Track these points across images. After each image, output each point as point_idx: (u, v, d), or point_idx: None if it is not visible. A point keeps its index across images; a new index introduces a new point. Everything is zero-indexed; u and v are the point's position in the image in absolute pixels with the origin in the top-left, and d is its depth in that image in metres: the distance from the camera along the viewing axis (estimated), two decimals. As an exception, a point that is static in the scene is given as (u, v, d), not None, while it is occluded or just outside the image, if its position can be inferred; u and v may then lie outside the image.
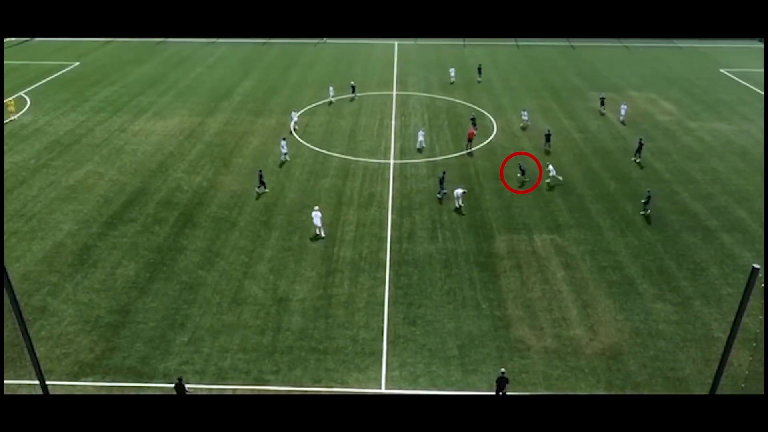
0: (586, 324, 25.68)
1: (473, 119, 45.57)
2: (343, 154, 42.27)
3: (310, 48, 73.82)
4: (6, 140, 44.61)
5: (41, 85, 58.39)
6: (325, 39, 77.85)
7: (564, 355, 23.99)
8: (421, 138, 42.87)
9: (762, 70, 64.19)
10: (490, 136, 45.84)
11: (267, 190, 36.56)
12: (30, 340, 16.66)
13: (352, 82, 56.48)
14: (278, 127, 47.25)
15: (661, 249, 31.04)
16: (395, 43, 76.47)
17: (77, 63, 66.32)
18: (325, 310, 26.52)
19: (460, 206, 34.62)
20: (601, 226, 33.13)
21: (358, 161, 41.15)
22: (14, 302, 15.87)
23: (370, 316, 26.11)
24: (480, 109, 51.50)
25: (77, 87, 57.61)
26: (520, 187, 37.49)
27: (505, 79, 60.82)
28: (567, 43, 77.18)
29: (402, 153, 42.50)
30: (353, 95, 54.72)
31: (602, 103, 50.47)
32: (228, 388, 22.34)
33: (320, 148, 43.30)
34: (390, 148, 43.31)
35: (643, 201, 34.22)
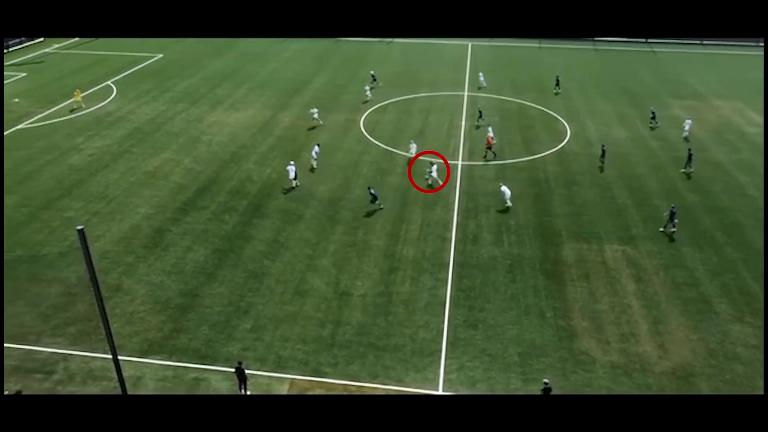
0: (656, 341, 24.50)
1: (489, 126, 44.25)
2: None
3: (382, 46, 74.12)
4: (92, 126, 47.09)
5: (127, 75, 61.33)
6: (391, 39, 77.98)
7: (631, 371, 22.97)
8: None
9: None
10: (563, 141, 44.57)
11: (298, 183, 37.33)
12: (106, 315, 17.40)
13: (372, 72, 58.37)
14: (347, 124, 47.66)
15: (742, 268, 29.24)
16: (469, 43, 75.70)
17: (161, 55, 69.24)
18: (386, 307, 26.49)
19: (508, 206, 34.42)
20: (677, 240, 31.55)
21: (425, 161, 40.89)
22: (94, 278, 16.59)
23: (431, 317, 25.88)
24: (553, 113, 50.18)
25: (159, 78, 60.16)
26: (428, 187, 37.12)
27: (580, 83, 59.04)
28: (648, 48, 74.13)
29: (470, 154, 41.96)
30: (375, 83, 57.00)
31: (653, 117, 47.67)
32: (286, 377, 22.66)
33: (388, 146, 43.36)
34: (459, 149, 42.85)
35: (665, 214, 32.46)
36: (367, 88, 53.87)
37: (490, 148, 40.93)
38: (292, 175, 36.38)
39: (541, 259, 29.91)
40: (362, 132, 46.10)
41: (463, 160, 41.02)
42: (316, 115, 47.15)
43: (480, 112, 48.15)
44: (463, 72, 62.69)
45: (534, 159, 41.36)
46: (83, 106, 51.29)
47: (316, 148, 40.13)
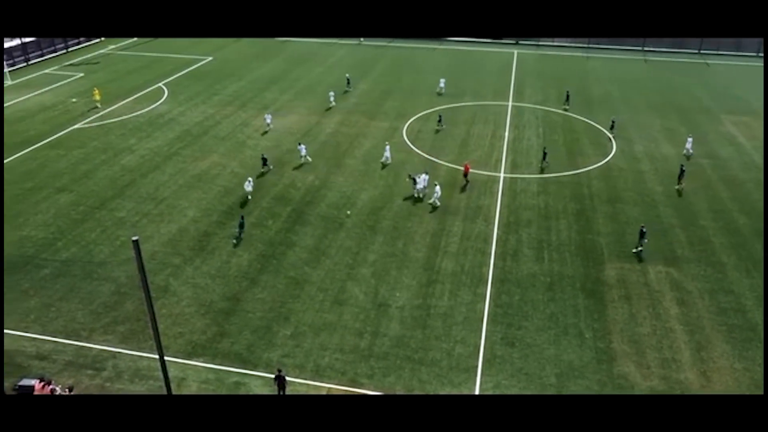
0: (698, 368, 24.02)
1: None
2: (452, 163, 42.24)
3: (426, 52, 74.27)
4: (144, 127, 48.73)
5: (178, 77, 63.16)
6: (435, 45, 77.96)
7: (671, 398, 22.57)
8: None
9: None
10: (608, 155, 43.93)
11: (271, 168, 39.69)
12: (155, 320, 18.15)
13: (348, 75, 60.34)
14: (390, 131, 48.03)
15: (793, 295, 28.37)
16: (515, 51, 75.18)
17: (211, 58, 71.04)
18: (423, 320, 26.71)
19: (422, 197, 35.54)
20: (724, 264, 30.79)
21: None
22: (144, 279, 17.33)
23: (468, 332, 25.97)
24: (598, 126, 49.46)
25: (209, 81, 61.75)
26: (414, 199, 37.07)
27: (627, 95, 57.99)
28: (701, 60, 72.18)
29: (513, 166, 41.79)
30: (348, 89, 58.24)
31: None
32: (324, 386, 23.11)
33: (429, 155, 43.54)
34: (501, 161, 42.72)
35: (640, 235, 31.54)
36: (332, 94, 54.43)
37: (466, 175, 39.11)
38: (303, 152, 41.37)
39: (582, 277, 29.63)
40: (405, 140, 46.39)
41: (505, 173, 40.88)
42: (269, 121, 48.37)
43: (440, 117, 49.12)
44: (508, 81, 62.33)
45: (578, 173, 40.90)
46: (99, 105, 53.16)
47: (301, 147, 41.93)
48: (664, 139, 47.06)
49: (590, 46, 77.95)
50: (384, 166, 41.73)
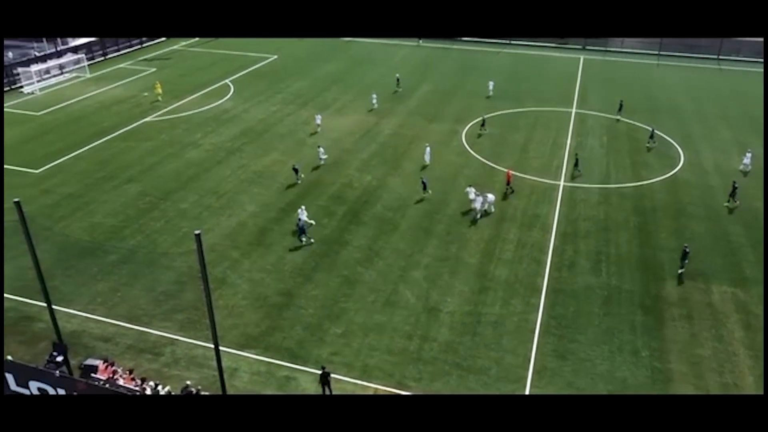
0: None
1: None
2: (510, 169, 41.65)
3: (490, 56, 73.53)
4: (209, 123, 50.37)
5: (244, 74, 64.93)
6: (500, 51, 77.04)
7: (731, 426, 21.59)
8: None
9: None
10: (675, 168, 42.32)
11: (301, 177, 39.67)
12: (212, 307, 18.75)
13: (397, 75, 60.90)
14: (450, 135, 47.85)
15: None
16: (581, 57, 73.45)
17: (275, 56, 72.64)
18: (474, 327, 26.52)
19: (482, 213, 34.31)
20: (796, 287, 29.17)
21: (525, 178, 40.36)
22: (204, 272, 17.95)
23: (519, 342, 25.61)
24: (666, 137, 47.71)
25: (273, 79, 63.19)
26: (418, 200, 37.06)
27: (699, 105, 55.66)
28: (781, 70, 68.42)
29: (574, 175, 40.85)
30: (398, 89, 58.71)
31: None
32: (371, 386, 23.30)
33: (488, 161, 43.12)
34: (562, 169, 41.86)
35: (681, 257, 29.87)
36: (374, 96, 54.60)
37: (508, 183, 38.50)
38: (322, 155, 41.67)
39: (640, 293, 28.70)
40: (464, 144, 46.13)
41: (565, 181, 40.03)
42: (319, 121, 48.80)
43: (483, 120, 48.64)
44: (573, 87, 60.95)
45: (641, 185, 39.60)
46: (160, 99, 55.19)
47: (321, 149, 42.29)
48: (736, 152, 44.91)
49: (661, 53, 75.19)
50: (423, 167, 41.73)
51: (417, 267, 30.67)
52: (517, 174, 40.78)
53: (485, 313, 27.38)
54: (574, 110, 54.06)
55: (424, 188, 37.64)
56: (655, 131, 46.83)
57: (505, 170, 39.97)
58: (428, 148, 42.66)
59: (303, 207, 33.30)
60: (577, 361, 24.53)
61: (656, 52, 75.46)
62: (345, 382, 23.45)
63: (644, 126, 49.97)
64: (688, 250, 29.84)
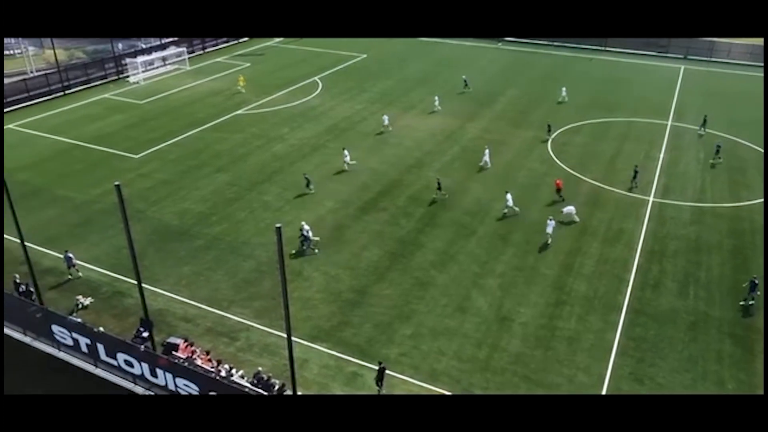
0: None
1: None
2: (596, 180, 40.23)
3: (582, 62, 71.18)
4: (296, 118, 51.81)
5: (333, 72, 66.30)
6: (592, 57, 74.32)
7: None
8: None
9: None
10: (780, 189, 39.34)
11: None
12: (287, 298, 19.27)
13: (464, 76, 59.98)
14: (534, 142, 46.77)
15: None
16: (681, 66, 69.71)
17: (364, 55, 73.65)
18: (547, 340, 25.81)
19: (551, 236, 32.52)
20: None
21: (612, 191, 38.81)
22: (281, 264, 18.48)
23: (593, 361, 24.69)
24: (772, 156, 44.44)
25: (360, 78, 64.12)
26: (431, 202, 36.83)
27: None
28: None
29: (665, 191, 38.86)
30: (465, 89, 58.41)
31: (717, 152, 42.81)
32: (437, 390, 23.19)
33: (573, 171, 41.78)
34: (652, 184, 39.91)
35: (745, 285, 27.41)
36: (437, 98, 54.20)
37: (559, 191, 37.36)
38: (348, 158, 41.11)
39: (731, 321, 26.92)
40: (549, 152, 44.95)
41: (654, 197, 38.14)
42: (386, 122, 48.68)
43: (717, 147, 43.61)
44: (670, 98, 57.92)
45: (740, 206, 37.09)
46: (243, 91, 57.82)
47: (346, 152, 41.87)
48: None
49: (772, 65, 69.99)
50: (481, 169, 41.17)
51: (492, 274, 30.22)
52: (603, 186, 39.29)
53: (560, 327, 26.58)
54: (669, 123, 51.39)
55: (439, 188, 37.46)
56: (721, 147, 43.66)
57: (591, 181, 38.58)
58: (487, 150, 42.22)
59: (303, 223, 32.25)
60: (655, 387, 23.34)
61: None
62: (411, 384, 23.48)
63: (748, 143, 46.77)
64: (756, 281, 27.86)
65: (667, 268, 30.78)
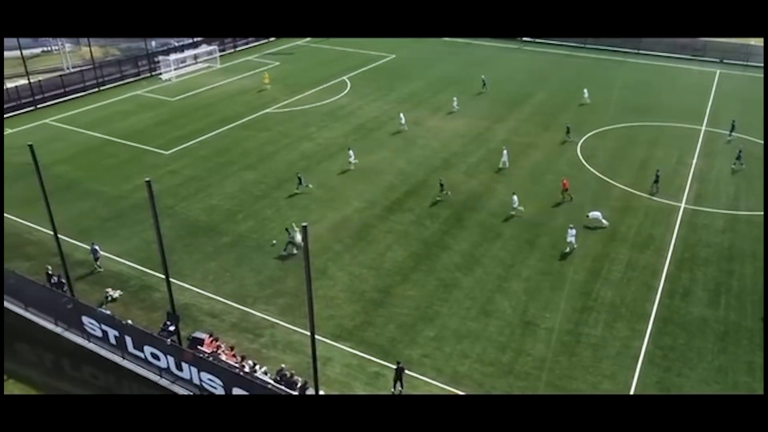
0: None
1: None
2: (626, 185, 39.57)
3: (614, 65, 70.08)
4: (324, 118, 52.05)
5: (361, 72, 66.45)
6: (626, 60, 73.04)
7: None
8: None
9: None
10: (817, 198, 38.18)
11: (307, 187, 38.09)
12: (311, 296, 19.37)
13: (483, 76, 59.41)
14: (563, 146, 46.21)
15: None
16: (717, 71, 68.18)
17: (393, 56, 73.63)
18: (572, 346, 25.48)
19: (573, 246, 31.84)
20: None
21: (642, 196, 38.14)
22: (307, 262, 18.60)
23: (619, 369, 24.29)
24: (810, 164, 43.13)
25: (389, 78, 64.15)
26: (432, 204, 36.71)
27: None
28: None
29: (697, 198, 38.04)
30: (483, 90, 58.31)
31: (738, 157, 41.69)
32: (459, 393, 23.07)
33: (603, 175, 41.17)
34: (684, 190, 39.11)
35: None
36: (455, 99, 53.80)
37: (565, 191, 37.29)
38: (352, 158, 41.28)
39: (762, 333, 26.22)
40: (578, 155, 44.38)
41: (686, 203, 37.37)
42: (403, 121, 48.75)
43: (739, 153, 42.67)
44: (705, 103, 56.67)
45: (775, 214, 36.12)
46: (268, 87, 58.81)
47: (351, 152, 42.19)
48: None
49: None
50: (499, 170, 41.00)
51: (517, 278, 29.96)
52: (633, 191, 38.63)
53: (586, 333, 26.22)
54: (703, 128, 50.30)
55: (442, 188, 37.35)
56: (741, 152, 42.59)
57: (621, 185, 37.98)
58: (505, 151, 41.90)
59: (293, 224, 32.00)
60: (683, 398, 22.87)
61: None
62: (433, 386, 23.41)
63: (785, 150, 45.52)
64: None
65: (698, 276, 30.14)
